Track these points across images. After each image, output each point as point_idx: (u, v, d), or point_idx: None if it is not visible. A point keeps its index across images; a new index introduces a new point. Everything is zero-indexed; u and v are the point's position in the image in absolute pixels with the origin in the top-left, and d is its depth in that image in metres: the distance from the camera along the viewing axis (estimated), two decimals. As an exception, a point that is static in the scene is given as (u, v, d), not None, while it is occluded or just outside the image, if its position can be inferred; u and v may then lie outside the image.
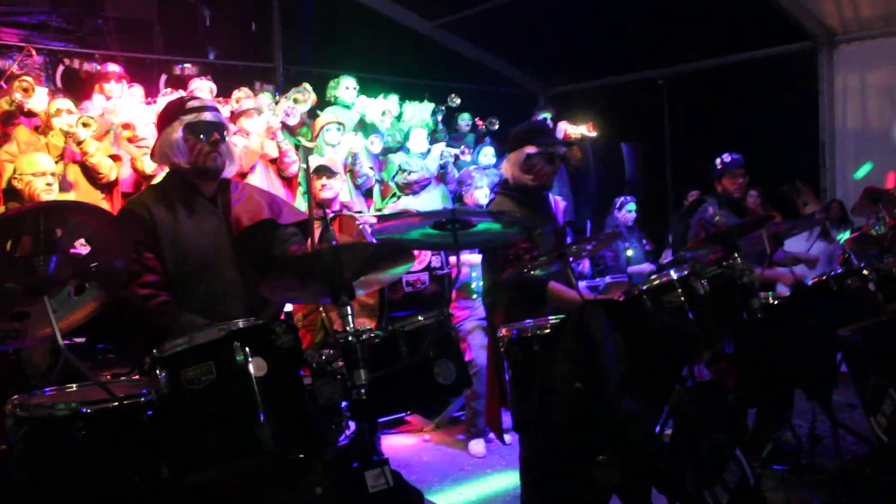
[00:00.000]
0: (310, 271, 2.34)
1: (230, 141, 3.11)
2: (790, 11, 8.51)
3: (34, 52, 6.69)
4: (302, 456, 2.43)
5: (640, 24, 9.41)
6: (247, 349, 2.11)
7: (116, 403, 2.21)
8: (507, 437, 5.54)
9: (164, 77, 7.77)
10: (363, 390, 2.23)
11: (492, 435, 5.58)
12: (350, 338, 2.22)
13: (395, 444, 5.78)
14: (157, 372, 2.14)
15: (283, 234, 3.14)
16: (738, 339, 3.88)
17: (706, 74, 9.99)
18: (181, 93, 6.48)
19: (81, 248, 2.25)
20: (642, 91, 10.35)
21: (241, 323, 2.13)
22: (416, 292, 4.52)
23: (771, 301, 3.94)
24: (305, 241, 3.26)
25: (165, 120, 3.01)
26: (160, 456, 2.20)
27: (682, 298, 3.23)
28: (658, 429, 3.20)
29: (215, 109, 3.03)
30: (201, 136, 2.93)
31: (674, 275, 3.28)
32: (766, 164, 8.03)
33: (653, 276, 3.39)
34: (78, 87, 6.89)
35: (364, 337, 2.24)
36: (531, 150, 3.75)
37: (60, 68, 7.11)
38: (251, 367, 2.09)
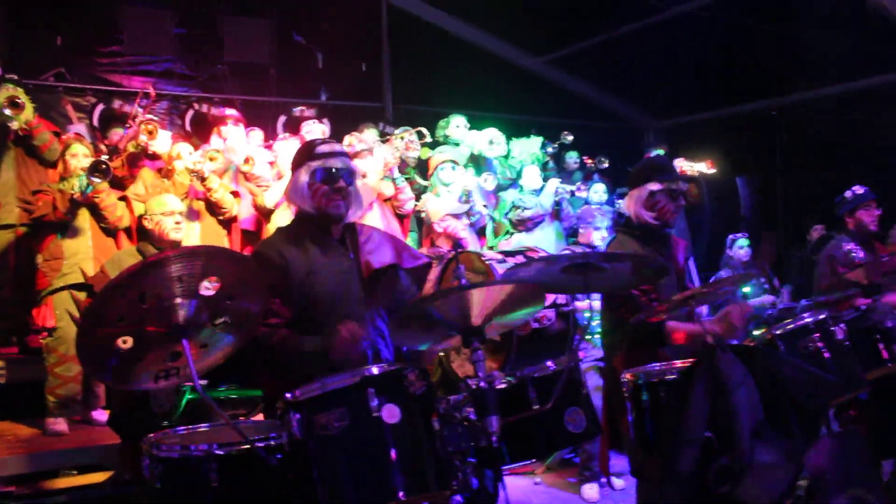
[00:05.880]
0: (434, 319, 2.32)
1: (357, 185, 3.14)
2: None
3: (153, 93, 7.03)
4: (429, 504, 2.40)
5: (751, 54, 9.16)
6: (381, 396, 2.10)
7: (248, 446, 2.23)
8: (618, 482, 5.39)
9: (282, 119, 8.03)
10: (495, 438, 2.18)
11: (605, 479, 5.45)
12: (483, 384, 2.19)
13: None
14: (291, 416, 2.16)
15: (400, 288, 3.16)
16: (876, 385, 3.66)
17: (822, 104, 9.63)
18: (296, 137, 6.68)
19: (206, 290, 2.30)
20: (754, 123, 10.07)
21: (374, 369, 2.13)
22: (543, 329, 4.47)
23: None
24: (420, 290, 3.26)
25: (296, 163, 3.08)
26: (290, 499, 2.21)
27: (820, 343, 3.08)
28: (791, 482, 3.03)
29: (344, 155, 3.07)
30: (326, 182, 2.97)
31: (809, 318, 3.14)
32: (890, 195, 7.64)
33: (786, 321, 3.24)
34: (206, 131, 7.20)
35: (497, 384, 2.20)
36: (654, 186, 3.64)
37: (190, 113, 7.46)
38: (384, 414, 2.08)
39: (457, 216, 5.22)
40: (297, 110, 8.05)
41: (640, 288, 3.52)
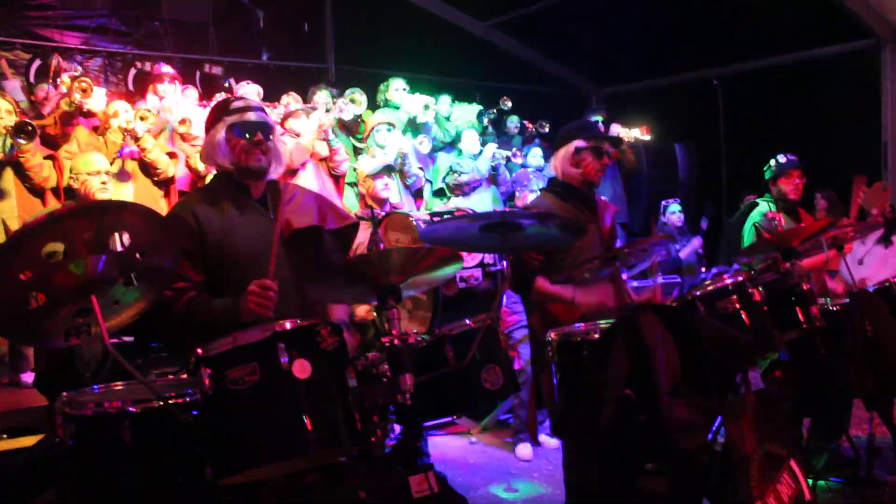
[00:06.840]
0: (357, 275, 2.32)
1: (278, 141, 3.09)
2: (852, 8, 8.23)
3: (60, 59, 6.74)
4: (345, 459, 2.42)
5: (694, 23, 9.22)
6: (292, 351, 2.09)
7: (162, 403, 2.21)
8: (552, 442, 5.50)
9: (197, 73, 7.78)
10: (408, 395, 2.20)
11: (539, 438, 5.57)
12: (396, 342, 2.19)
13: (441, 446, 5.76)
14: (202, 372, 2.14)
15: (324, 248, 3.12)
16: (794, 346, 3.77)
17: (763, 74, 9.75)
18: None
19: (117, 245, 2.26)
20: (696, 91, 10.17)
21: (287, 324, 2.12)
22: (470, 288, 4.47)
23: (830, 307, 3.82)
24: (346, 252, 3.22)
25: (211, 121, 3.01)
26: (204, 456, 2.20)
27: (738, 305, 3.14)
28: (710, 438, 3.12)
29: (260, 110, 3.00)
30: (244, 137, 2.91)
31: (728, 280, 3.20)
32: (826, 165, 7.80)
33: (707, 282, 3.30)
34: (146, 89, 6.97)
35: (411, 341, 2.21)
36: (580, 143, 3.72)
37: (132, 71, 7.20)
38: (295, 369, 2.07)
39: (375, 177, 5.19)
40: (206, 68, 7.80)
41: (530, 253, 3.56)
